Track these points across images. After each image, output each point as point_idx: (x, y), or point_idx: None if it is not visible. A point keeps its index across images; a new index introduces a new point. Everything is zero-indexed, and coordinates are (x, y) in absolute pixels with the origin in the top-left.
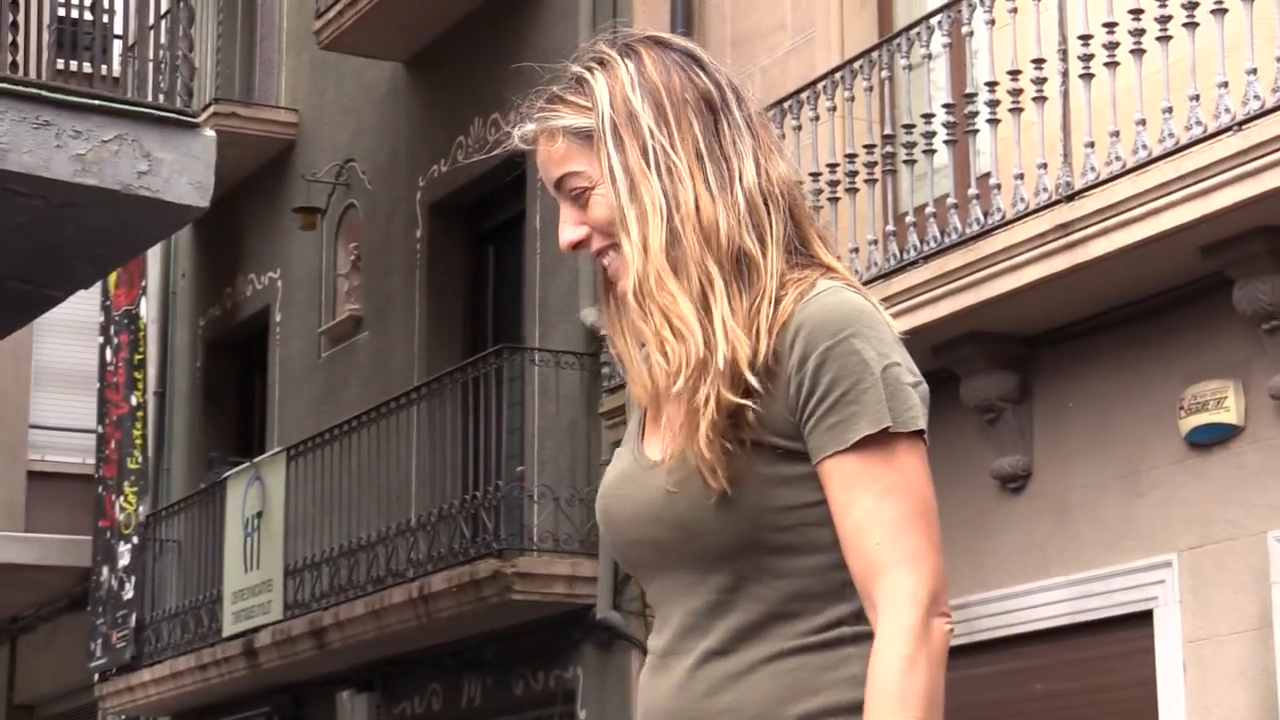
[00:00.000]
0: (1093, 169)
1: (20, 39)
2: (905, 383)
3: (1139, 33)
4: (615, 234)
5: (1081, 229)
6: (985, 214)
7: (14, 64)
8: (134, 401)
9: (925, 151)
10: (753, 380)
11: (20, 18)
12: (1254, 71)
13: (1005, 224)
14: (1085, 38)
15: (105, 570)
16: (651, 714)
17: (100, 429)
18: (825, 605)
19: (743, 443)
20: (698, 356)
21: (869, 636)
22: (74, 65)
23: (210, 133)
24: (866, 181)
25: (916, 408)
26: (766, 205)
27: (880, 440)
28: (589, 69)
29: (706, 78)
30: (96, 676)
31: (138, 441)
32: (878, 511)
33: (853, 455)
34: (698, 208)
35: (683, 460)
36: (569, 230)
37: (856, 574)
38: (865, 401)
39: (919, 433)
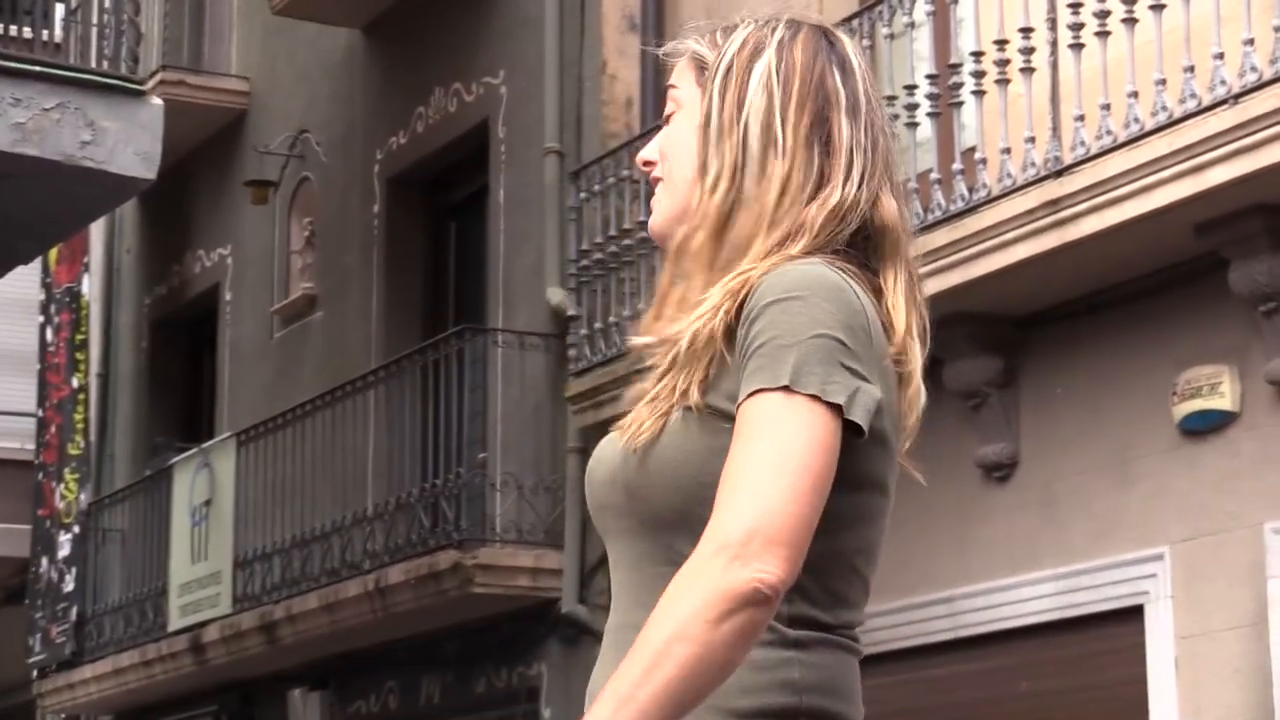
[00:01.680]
0: (1082, 143)
1: None
2: (838, 360)
3: (1132, 1)
4: (665, 167)
5: (1071, 206)
6: (970, 190)
7: None
8: (76, 384)
9: (908, 124)
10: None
11: None
12: (1251, 42)
13: (991, 200)
14: (1075, 6)
15: (44, 561)
16: (593, 692)
17: (40, 413)
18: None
19: (711, 408)
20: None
21: (818, 643)
22: (14, 30)
23: (157, 101)
24: None
25: (840, 384)
26: (840, 224)
27: (775, 395)
28: (748, 20)
29: (843, 83)
30: (35, 673)
31: (79, 426)
32: (734, 460)
33: (746, 405)
34: (783, 187)
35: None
36: (649, 148)
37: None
38: (777, 357)
39: (836, 410)
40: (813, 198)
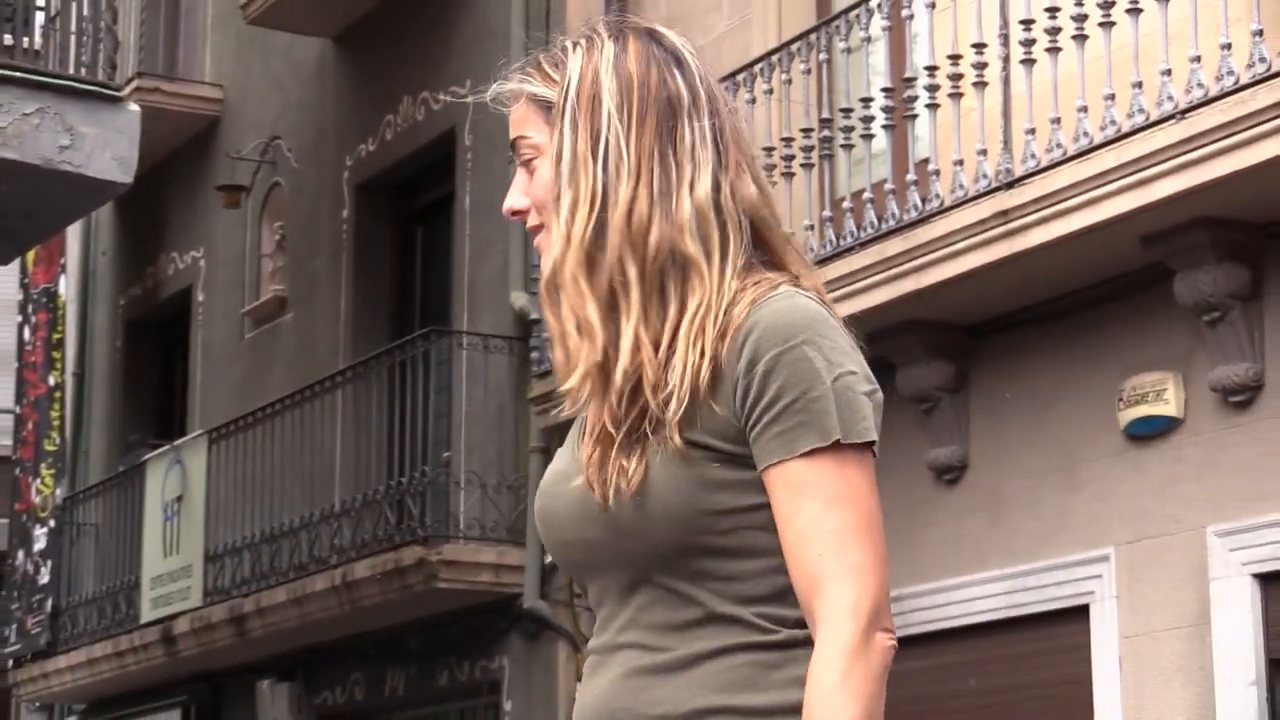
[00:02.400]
0: (1033, 156)
1: None
2: (859, 392)
3: (1082, 18)
4: (545, 215)
5: (1021, 217)
6: (924, 200)
7: None
8: (52, 381)
9: (863, 136)
10: (653, 402)
11: None
12: (1198, 59)
13: (944, 210)
14: (1027, 22)
15: (20, 554)
16: (584, 713)
17: (17, 409)
18: (769, 608)
19: (691, 444)
20: (596, 362)
21: (806, 640)
22: None
23: (134, 107)
24: (803, 166)
25: (868, 419)
26: (718, 219)
27: (827, 451)
28: (574, 44)
29: (683, 81)
30: (10, 663)
31: (55, 423)
32: (821, 522)
33: (799, 463)
34: (631, 208)
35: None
36: (514, 196)
37: (798, 585)
38: (814, 411)
39: (869, 444)
40: (672, 209)
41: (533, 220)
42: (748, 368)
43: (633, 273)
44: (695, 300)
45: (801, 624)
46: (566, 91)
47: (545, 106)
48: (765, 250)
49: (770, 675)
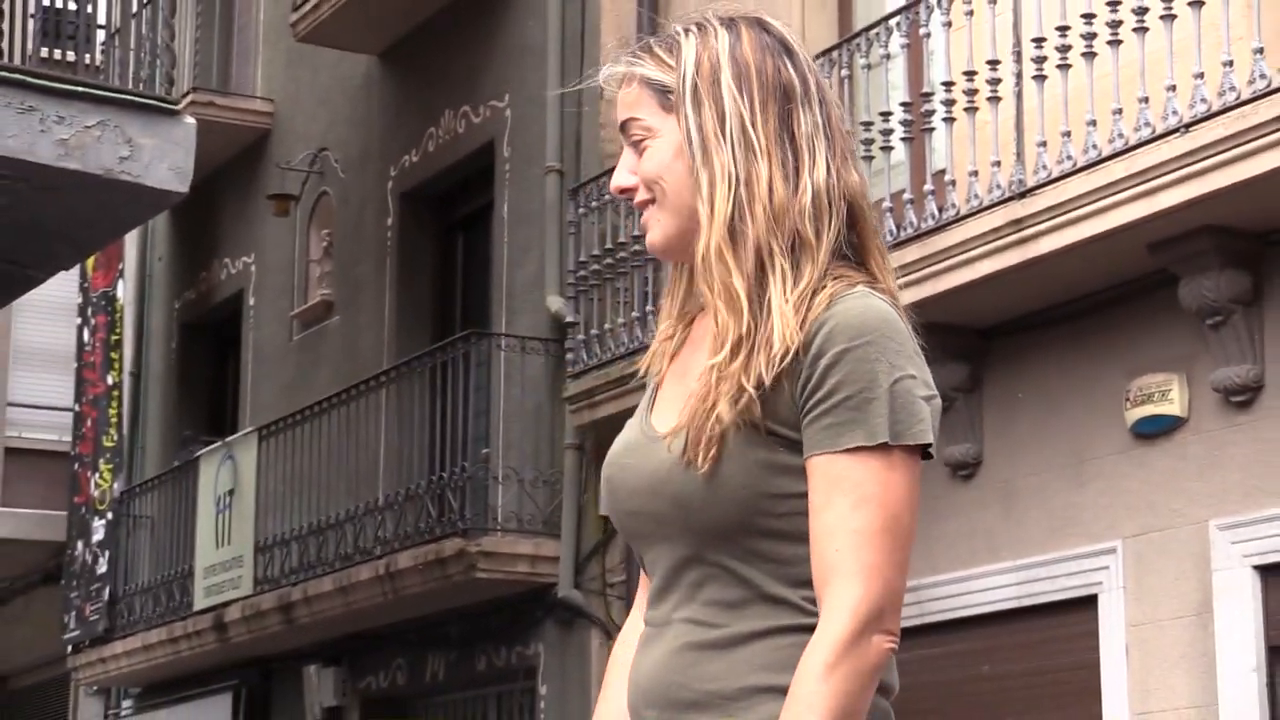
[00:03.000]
0: (1044, 167)
1: (6, 26)
2: (917, 395)
3: (1090, 36)
4: (656, 190)
5: (1033, 225)
6: (940, 209)
7: None
8: (110, 381)
9: (883, 148)
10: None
11: (6, 6)
12: (1201, 76)
13: (959, 219)
14: (1039, 40)
15: (80, 545)
16: (638, 683)
17: (77, 407)
18: (814, 591)
19: (754, 426)
20: (742, 333)
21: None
22: (58, 53)
23: (190, 120)
24: None
25: (925, 421)
26: (830, 205)
27: (873, 451)
28: (686, 30)
29: (794, 70)
30: (70, 648)
31: (113, 420)
32: (847, 519)
33: (841, 458)
34: (770, 186)
35: (688, 433)
36: (622, 175)
37: (815, 575)
38: (868, 411)
39: (921, 447)
40: (796, 191)
41: (642, 195)
42: (814, 359)
43: (777, 249)
44: (804, 282)
45: (815, 603)
46: (685, 75)
47: (660, 90)
48: (856, 236)
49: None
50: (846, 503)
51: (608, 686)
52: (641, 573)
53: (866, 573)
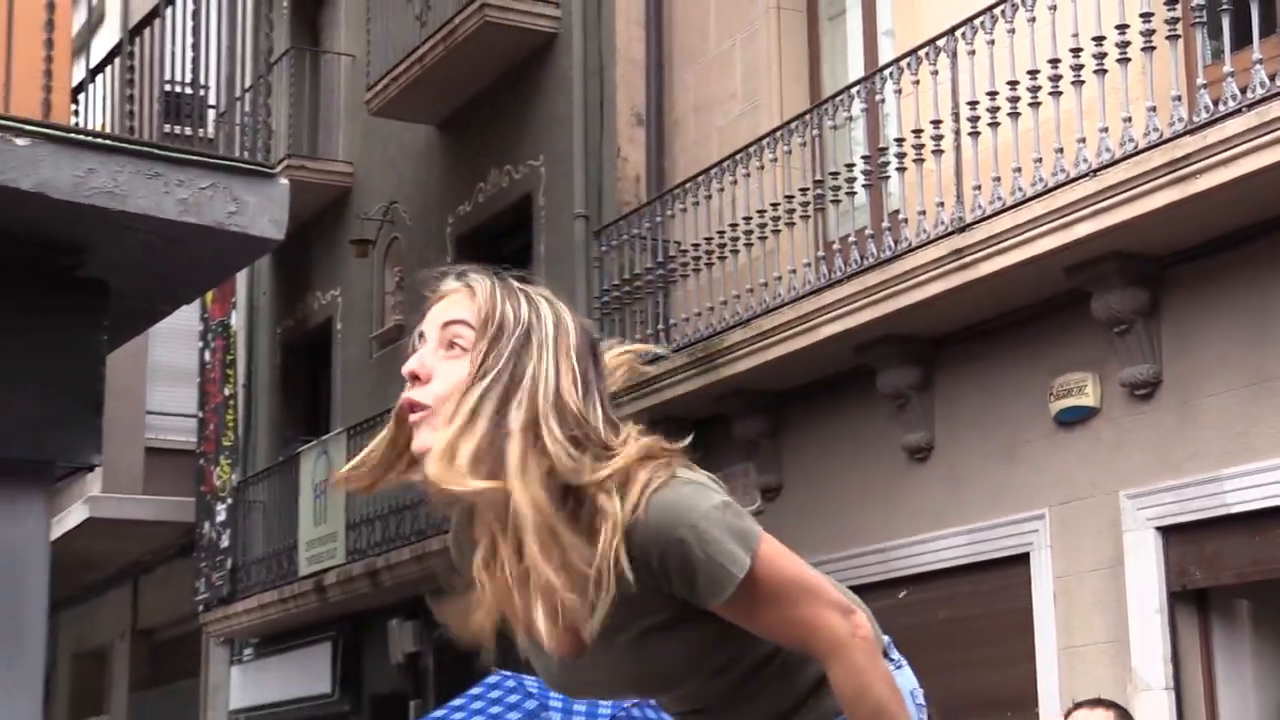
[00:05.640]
0: (980, 206)
1: (136, 108)
2: (729, 516)
3: (1015, 100)
4: (438, 407)
5: (971, 254)
6: (895, 242)
7: (131, 128)
8: (227, 392)
9: (848, 193)
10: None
11: (136, 91)
12: (1105, 130)
13: (911, 250)
14: (973, 103)
15: (206, 525)
16: None
17: (201, 414)
18: (796, 668)
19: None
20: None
21: None
22: (178, 129)
23: (285, 181)
24: (801, 217)
25: (750, 525)
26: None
27: (755, 565)
28: (482, 279)
29: (551, 314)
30: (201, 608)
31: (230, 424)
32: (782, 622)
33: (733, 597)
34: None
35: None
36: (425, 362)
37: (796, 650)
38: (726, 548)
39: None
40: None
41: (422, 398)
42: (659, 558)
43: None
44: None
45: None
46: (483, 310)
47: (483, 318)
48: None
49: (821, 701)
50: (767, 608)
51: None
52: None
53: (821, 615)
